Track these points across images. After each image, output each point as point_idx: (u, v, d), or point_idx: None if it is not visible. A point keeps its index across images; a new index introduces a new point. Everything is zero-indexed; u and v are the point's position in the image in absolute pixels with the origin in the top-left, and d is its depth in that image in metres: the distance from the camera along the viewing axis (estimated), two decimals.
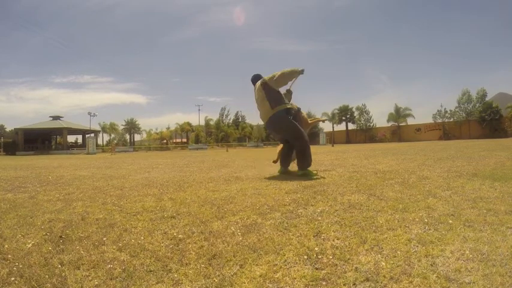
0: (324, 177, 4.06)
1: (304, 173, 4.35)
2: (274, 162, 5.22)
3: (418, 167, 4.89)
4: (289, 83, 4.82)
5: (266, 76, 4.74)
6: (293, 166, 4.89)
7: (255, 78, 4.93)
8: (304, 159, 4.44)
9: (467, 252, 1.42)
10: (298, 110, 5.31)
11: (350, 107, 51.80)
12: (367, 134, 50.32)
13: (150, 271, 1.39)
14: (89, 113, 44.30)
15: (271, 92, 4.58)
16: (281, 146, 5.10)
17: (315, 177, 4.10)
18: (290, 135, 4.69)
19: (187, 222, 2.14)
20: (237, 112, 62.17)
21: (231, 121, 60.16)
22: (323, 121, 6.52)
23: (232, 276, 1.32)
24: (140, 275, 1.36)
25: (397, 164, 5.48)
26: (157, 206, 2.67)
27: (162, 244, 1.73)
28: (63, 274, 1.39)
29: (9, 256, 1.61)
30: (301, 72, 4.65)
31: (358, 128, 51.82)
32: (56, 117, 45.86)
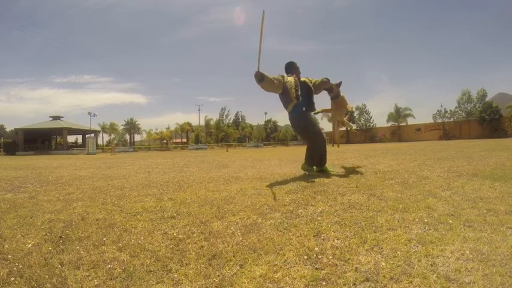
0: (324, 175, 4.06)
1: (308, 169, 4.40)
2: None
3: (418, 167, 4.89)
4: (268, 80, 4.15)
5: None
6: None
7: (289, 67, 4.50)
8: (309, 156, 4.43)
9: (467, 252, 1.42)
10: (336, 96, 4.89)
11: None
12: (367, 134, 50.31)
13: (150, 271, 1.40)
14: (89, 113, 44.40)
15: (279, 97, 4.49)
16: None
17: (314, 176, 4.10)
18: (300, 134, 4.69)
19: (187, 222, 2.15)
20: (237, 112, 62.34)
21: (231, 121, 60.23)
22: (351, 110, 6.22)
23: (232, 276, 1.32)
24: (140, 275, 1.36)
25: (397, 164, 5.48)
26: (157, 206, 2.67)
27: (162, 244, 1.73)
28: (63, 274, 1.39)
29: (9, 256, 1.61)
30: (255, 77, 3.97)
31: (358, 128, 51.84)
32: (56, 117, 45.88)
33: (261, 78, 3.95)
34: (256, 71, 3.91)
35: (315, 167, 4.46)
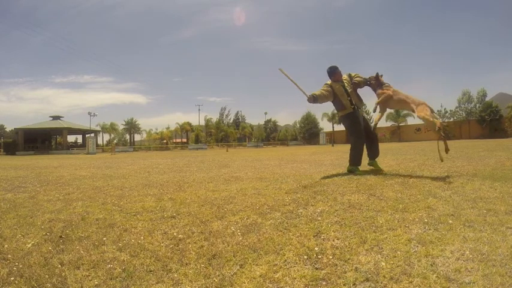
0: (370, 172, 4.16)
1: (352, 170, 4.41)
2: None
3: (418, 167, 4.89)
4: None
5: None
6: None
7: (331, 72, 4.56)
8: (352, 156, 4.49)
9: (467, 252, 1.42)
10: (377, 87, 4.41)
11: None
12: None
13: (150, 271, 1.40)
14: (89, 113, 44.37)
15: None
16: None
17: (358, 172, 4.23)
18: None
19: (187, 222, 2.15)
20: (237, 112, 62.43)
21: (231, 121, 60.25)
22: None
23: (232, 276, 1.32)
24: (140, 275, 1.36)
25: (397, 164, 5.48)
26: (157, 206, 2.67)
27: (162, 244, 1.73)
28: (63, 274, 1.39)
29: (9, 256, 1.61)
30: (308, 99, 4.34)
31: None
32: (56, 117, 45.85)
33: (314, 101, 4.32)
34: (307, 99, 4.32)
35: (359, 167, 4.46)
